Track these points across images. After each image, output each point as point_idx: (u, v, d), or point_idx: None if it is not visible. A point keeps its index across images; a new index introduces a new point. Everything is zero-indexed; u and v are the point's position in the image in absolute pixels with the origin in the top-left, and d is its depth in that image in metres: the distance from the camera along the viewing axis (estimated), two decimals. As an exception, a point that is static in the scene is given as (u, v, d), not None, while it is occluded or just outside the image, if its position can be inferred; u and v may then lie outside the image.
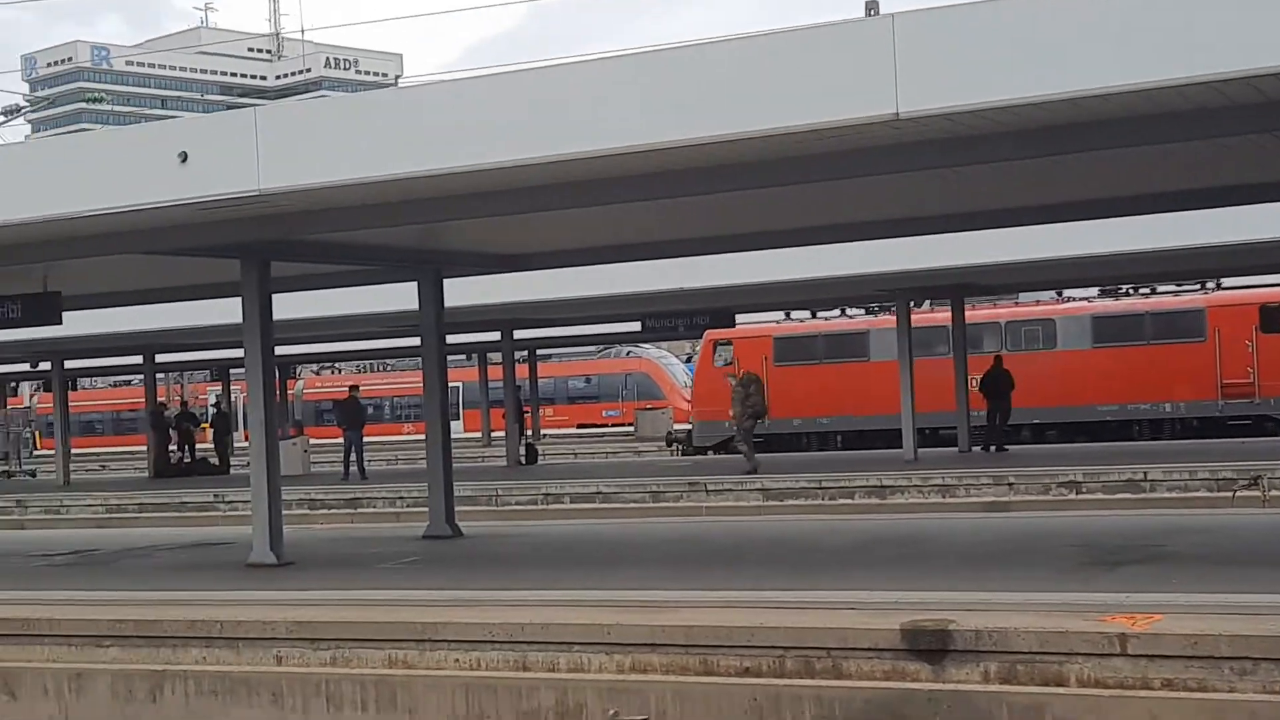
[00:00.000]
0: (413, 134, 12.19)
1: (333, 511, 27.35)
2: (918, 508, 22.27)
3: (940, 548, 15.20)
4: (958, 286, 29.18)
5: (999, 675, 9.63)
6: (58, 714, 12.55)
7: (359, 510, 27.41)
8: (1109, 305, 36.02)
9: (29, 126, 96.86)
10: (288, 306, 17.16)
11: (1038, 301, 37.02)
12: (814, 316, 38.44)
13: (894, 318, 30.17)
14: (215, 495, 29.38)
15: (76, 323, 18.97)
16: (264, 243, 15.05)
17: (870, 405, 35.24)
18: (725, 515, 23.07)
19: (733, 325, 34.58)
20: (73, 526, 28.11)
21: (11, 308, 17.32)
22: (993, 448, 29.76)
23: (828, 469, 25.78)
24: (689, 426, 41.19)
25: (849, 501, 23.53)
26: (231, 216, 13.58)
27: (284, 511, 16.89)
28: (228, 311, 22.96)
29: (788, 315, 38.13)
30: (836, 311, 38.47)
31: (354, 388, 34.81)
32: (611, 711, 10.37)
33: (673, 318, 33.18)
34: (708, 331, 36.78)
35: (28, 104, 45.20)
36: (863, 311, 38.47)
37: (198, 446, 41.06)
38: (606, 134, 11.29)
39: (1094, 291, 36.41)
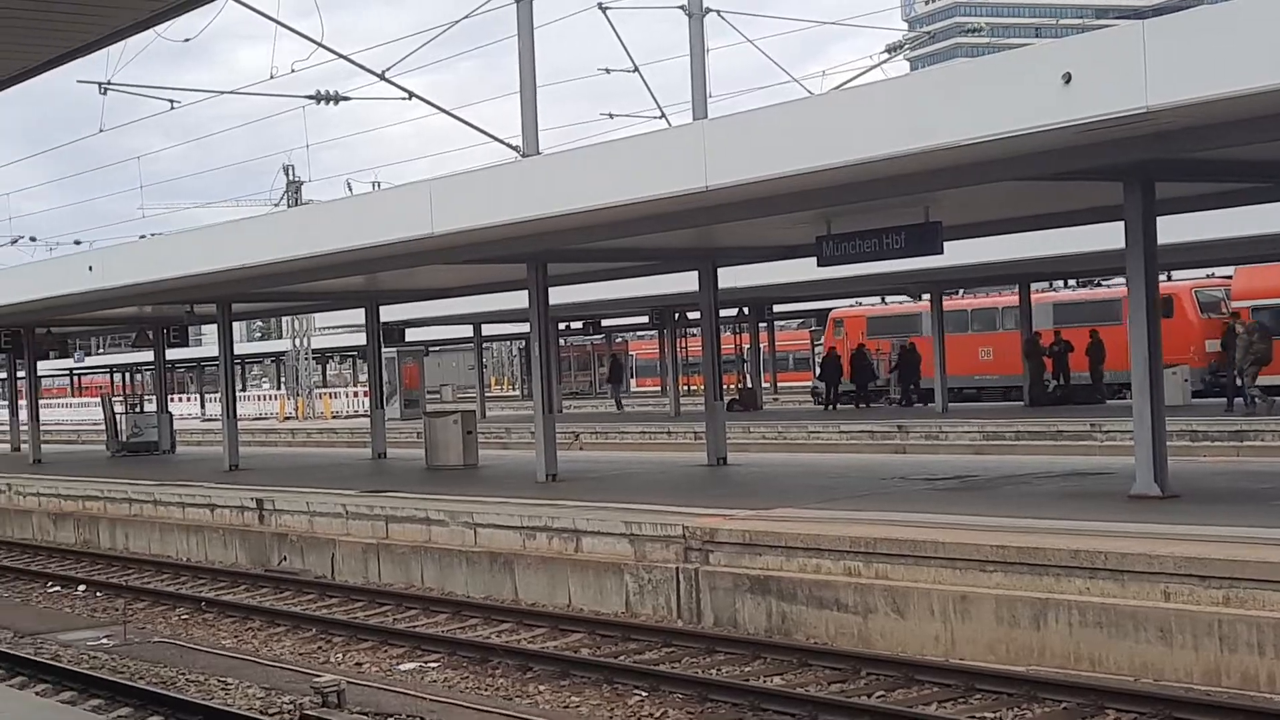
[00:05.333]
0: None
1: (1215, 444, 26.23)
2: None
3: None
4: None
5: None
6: (943, 634, 12.82)
7: (1244, 443, 26.09)
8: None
9: (907, 65, 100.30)
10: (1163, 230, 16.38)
11: None
12: None
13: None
14: (1091, 424, 29.05)
15: (952, 252, 19.17)
16: (1148, 163, 14.47)
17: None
18: None
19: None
20: (950, 452, 28.83)
21: (895, 238, 17.85)
22: None
23: None
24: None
25: None
26: (1114, 137, 13.09)
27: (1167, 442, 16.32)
28: (1106, 237, 22.52)
29: None
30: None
31: (1234, 314, 33.16)
32: None
33: None
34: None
35: (905, 42, 46.59)
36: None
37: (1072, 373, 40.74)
38: None
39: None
